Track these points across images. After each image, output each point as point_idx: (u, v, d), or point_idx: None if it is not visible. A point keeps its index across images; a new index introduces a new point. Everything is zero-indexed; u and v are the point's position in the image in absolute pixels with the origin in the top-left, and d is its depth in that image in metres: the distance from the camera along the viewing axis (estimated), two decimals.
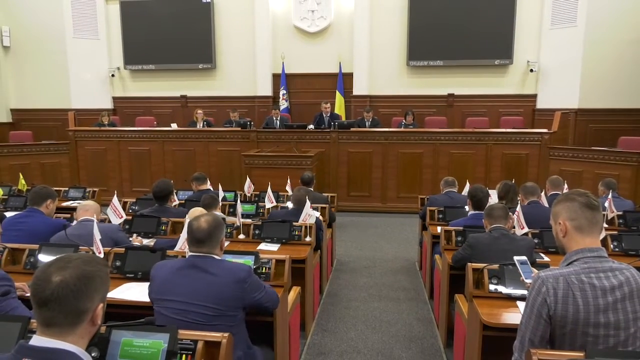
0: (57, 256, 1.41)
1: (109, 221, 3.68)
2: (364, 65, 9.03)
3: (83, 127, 8.48)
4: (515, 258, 2.42)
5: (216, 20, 9.37)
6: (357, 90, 9.15)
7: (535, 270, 2.37)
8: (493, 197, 4.31)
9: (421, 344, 3.51)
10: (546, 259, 3.23)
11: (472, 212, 3.78)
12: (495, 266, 2.61)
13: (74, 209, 5.12)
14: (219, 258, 2.18)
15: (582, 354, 1.56)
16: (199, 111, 8.45)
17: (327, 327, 3.78)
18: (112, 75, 9.77)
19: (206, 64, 9.46)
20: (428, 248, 4.36)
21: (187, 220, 3.07)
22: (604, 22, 8.11)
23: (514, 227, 3.32)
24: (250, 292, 2.14)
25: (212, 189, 5.15)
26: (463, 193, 5.00)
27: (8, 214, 4.59)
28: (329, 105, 8.25)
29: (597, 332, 1.61)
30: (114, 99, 9.96)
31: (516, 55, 8.68)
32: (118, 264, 2.81)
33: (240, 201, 4.00)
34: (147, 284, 2.45)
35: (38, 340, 1.27)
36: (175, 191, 5.22)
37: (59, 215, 4.07)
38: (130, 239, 3.50)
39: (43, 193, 3.56)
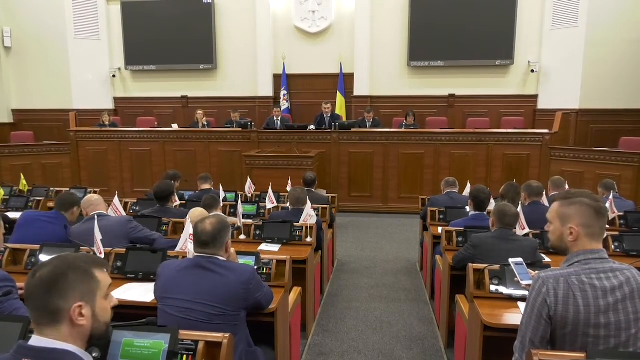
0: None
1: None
2: (364, 65, 9.03)
3: (84, 128, 8.49)
4: (511, 260, 2.41)
5: (217, 21, 9.38)
6: (357, 91, 9.15)
7: (531, 272, 2.37)
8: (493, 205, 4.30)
9: (422, 345, 3.50)
10: (547, 259, 3.22)
11: (473, 212, 3.77)
12: (497, 267, 2.61)
13: None
14: (223, 259, 2.19)
15: (583, 355, 1.55)
16: (200, 111, 8.47)
17: (328, 327, 3.78)
18: (113, 76, 9.78)
19: (207, 65, 9.47)
20: (429, 248, 4.36)
21: (187, 220, 3.08)
22: (605, 22, 8.10)
23: (515, 228, 3.31)
24: (254, 292, 2.16)
25: (212, 188, 5.18)
26: (464, 194, 5.00)
27: (11, 214, 4.63)
28: (329, 105, 8.25)
29: (598, 332, 1.61)
30: (115, 99, 9.97)
31: (517, 56, 8.68)
32: (119, 264, 2.81)
33: (241, 201, 4.01)
34: (148, 285, 2.46)
35: (37, 341, 1.27)
36: (179, 191, 5.27)
37: None
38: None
39: (71, 200, 3.61)
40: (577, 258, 1.70)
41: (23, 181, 5.74)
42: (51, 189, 5.77)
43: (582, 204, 1.71)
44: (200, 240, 2.16)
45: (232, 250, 2.33)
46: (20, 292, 2.29)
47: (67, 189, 5.73)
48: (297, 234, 3.68)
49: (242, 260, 2.63)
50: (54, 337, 1.27)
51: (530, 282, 2.17)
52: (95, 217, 3.17)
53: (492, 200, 4.39)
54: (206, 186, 5.13)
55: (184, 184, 6.65)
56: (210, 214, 2.74)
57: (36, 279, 1.28)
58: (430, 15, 8.75)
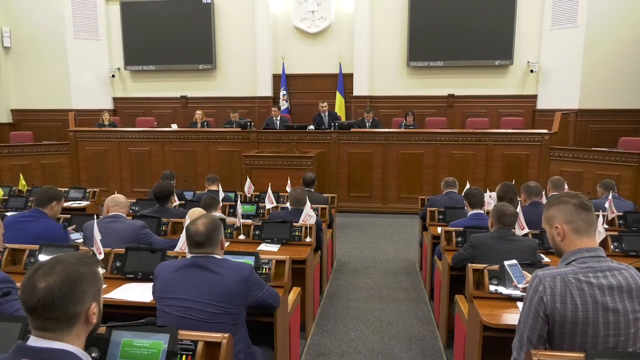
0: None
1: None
2: (364, 65, 9.04)
3: (83, 128, 8.48)
4: (506, 263, 2.42)
5: (216, 21, 9.38)
6: (357, 91, 9.15)
7: (526, 274, 2.37)
8: (493, 199, 4.31)
9: (421, 345, 3.51)
10: (546, 259, 3.23)
11: (471, 212, 3.78)
12: (496, 267, 2.61)
13: (74, 209, 5.17)
14: (221, 257, 2.19)
15: (582, 355, 1.56)
16: (198, 112, 8.48)
17: (327, 327, 3.78)
18: (113, 76, 9.78)
19: (206, 65, 9.47)
20: (428, 249, 4.36)
21: (186, 220, 3.08)
22: (604, 22, 8.11)
23: (514, 228, 3.31)
24: (253, 290, 2.15)
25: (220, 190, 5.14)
26: (463, 194, 5.00)
27: (9, 214, 4.61)
28: (325, 104, 8.24)
29: (597, 332, 1.61)
30: (115, 99, 9.97)
31: (516, 56, 8.69)
32: (118, 264, 2.81)
33: (241, 202, 4.00)
34: (147, 285, 2.46)
35: (36, 341, 1.27)
36: (182, 191, 5.25)
37: (59, 215, 4.07)
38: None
39: (49, 194, 3.48)
40: (574, 257, 1.70)
41: (22, 181, 5.73)
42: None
43: (561, 203, 1.76)
44: (195, 242, 2.15)
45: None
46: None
47: (67, 189, 5.73)
48: (297, 234, 3.68)
49: (241, 260, 2.63)
50: (62, 339, 1.27)
51: (526, 285, 2.19)
52: (95, 217, 3.16)
53: (491, 201, 4.40)
54: (214, 187, 5.09)
55: (184, 184, 6.66)
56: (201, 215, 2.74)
57: (46, 289, 1.25)
58: (429, 16, 8.75)
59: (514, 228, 3.20)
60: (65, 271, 1.29)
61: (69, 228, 3.72)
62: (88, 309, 1.31)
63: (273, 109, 8.44)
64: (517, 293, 2.48)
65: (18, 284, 2.29)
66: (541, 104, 8.82)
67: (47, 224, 3.38)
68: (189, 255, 2.19)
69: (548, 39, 8.56)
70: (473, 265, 2.67)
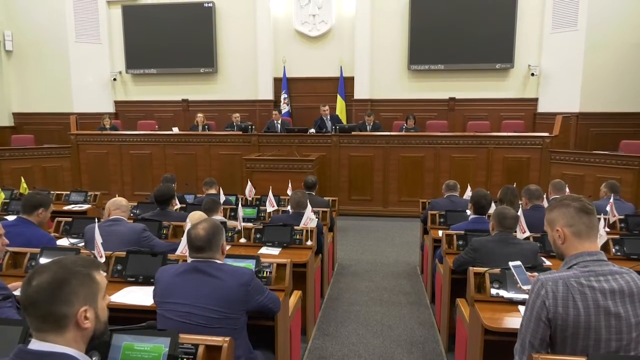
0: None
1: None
2: (365, 69, 9.05)
3: (85, 131, 8.49)
4: (511, 264, 2.40)
5: (218, 25, 9.40)
6: (358, 94, 9.16)
7: (529, 274, 2.37)
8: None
9: (422, 349, 3.50)
10: (548, 263, 3.22)
11: (473, 216, 3.77)
12: (497, 270, 2.61)
13: (75, 212, 5.17)
14: (221, 262, 2.19)
15: (584, 359, 1.56)
16: (199, 115, 8.49)
17: (328, 331, 3.77)
18: (114, 79, 9.80)
19: (208, 68, 9.49)
20: (429, 252, 4.36)
21: (187, 223, 3.08)
22: (605, 25, 8.11)
23: (515, 231, 3.31)
24: (254, 294, 2.15)
25: (219, 193, 5.15)
26: (464, 197, 4.99)
27: (11, 218, 4.61)
28: (327, 107, 8.24)
29: (599, 336, 1.60)
30: (116, 102, 9.99)
31: (517, 59, 8.69)
32: (119, 267, 2.81)
33: (242, 205, 4.00)
34: (148, 288, 2.46)
35: (37, 344, 1.26)
36: (182, 194, 5.25)
37: (60, 219, 4.08)
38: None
39: (35, 201, 3.23)
40: (576, 260, 1.70)
41: (23, 184, 5.73)
42: (52, 192, 5.77)
43: (562, 206, 1.77)
44: (196, 246, 2.15)
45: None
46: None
47: (68, 192, 5.74)
48: (298, 237, 3.68)
49: (242, 263, 2.63)
50: (57, 342, 1.26)
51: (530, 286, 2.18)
52: (96, 221, 3.17)
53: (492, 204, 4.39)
54: (212, 191, 5.09)
55: (185, 188, 6.66)
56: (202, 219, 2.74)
57: (35, 287, 1.25)
58: (430, 19, 8.77)
59: (515, 231, 3.20)
60: (56, 271, 1.28)
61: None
62: (77, 312, 1.28)
63: (274, 112, 8.45)
64: (519, 297, 2.48)
65: (13, 284, 2.29)
66: (542, 107, 8.82)
67: (34, 233, 3.15)
68: (189, 260, 2.19)
69: (549, 42, 8.57)
70: (474, 268, 2.66)
